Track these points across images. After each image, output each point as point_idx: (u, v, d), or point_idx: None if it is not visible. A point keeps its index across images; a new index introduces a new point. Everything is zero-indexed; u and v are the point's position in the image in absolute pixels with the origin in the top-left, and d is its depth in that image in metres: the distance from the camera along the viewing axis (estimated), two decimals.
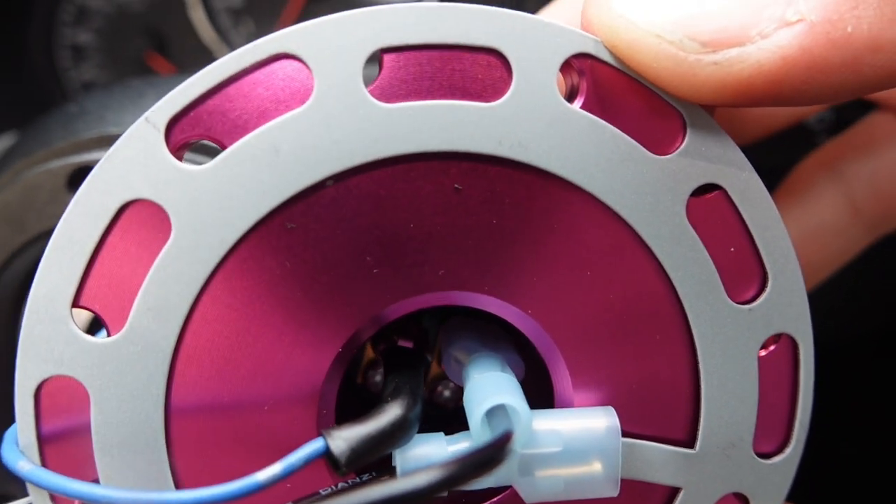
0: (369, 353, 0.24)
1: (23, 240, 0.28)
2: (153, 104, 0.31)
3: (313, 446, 0.17)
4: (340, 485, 0.19)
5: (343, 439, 0.17)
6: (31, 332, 0.18)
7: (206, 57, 0.52)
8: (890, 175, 0.28)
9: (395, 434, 0.18)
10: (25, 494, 0.21)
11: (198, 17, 0.52)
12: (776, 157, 0.26)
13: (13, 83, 0.53)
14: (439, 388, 0.25)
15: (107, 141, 0.28)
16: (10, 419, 0.30)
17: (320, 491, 0.18)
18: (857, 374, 0.40)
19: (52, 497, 0.19)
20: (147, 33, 0.53)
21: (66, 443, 0.19)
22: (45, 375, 0.19)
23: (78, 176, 0.27)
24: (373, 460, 0.18)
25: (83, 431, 0.19)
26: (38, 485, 0.18)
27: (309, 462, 0.17)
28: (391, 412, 0.19)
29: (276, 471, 0.17)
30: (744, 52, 0.18)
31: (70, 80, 0.54)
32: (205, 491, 0.16)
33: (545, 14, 0.26)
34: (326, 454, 0.17)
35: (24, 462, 0.18)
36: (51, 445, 0.19)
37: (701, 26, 0.18)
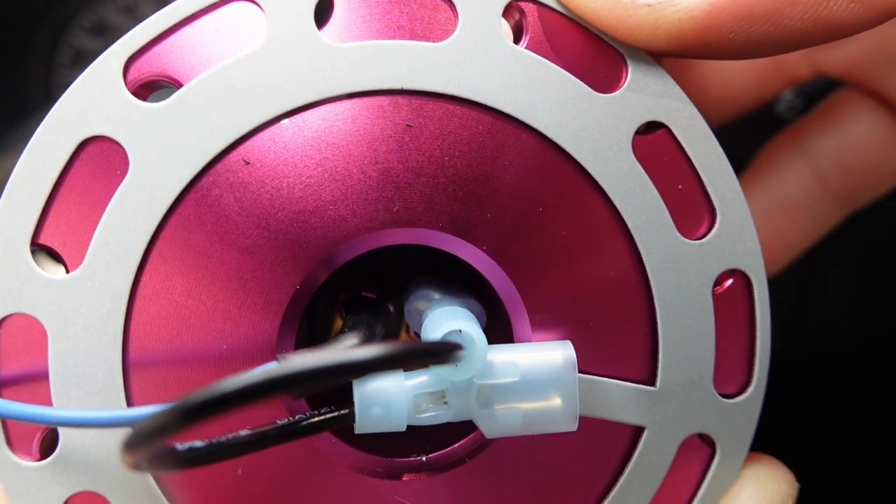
0: (338, 323, 0.25)
1: None
2: None
3: (266, 367, 0.18)
4: (298, 417, 0.19)
5: (297, 361, 0.18)
6: None
7: None
8: (855, 149, 0.29)
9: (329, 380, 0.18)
10: None
11: None
12: (747, 146, 0.26)
13: (11, 123, 0.55)
14: None
15: None
16: None
17: (277, 421, 0.18)
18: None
19: (9, 438, 0.19)
20: None
21: (22, 387, 0.19)
22: (4, 314, 0.19)
23: None
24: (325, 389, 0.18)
25: (39, 376, 0.19)
26: (3, 415, 0.18)
27: None
28: (346, 340, 0.19)
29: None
30: None
31: None
32: (140, 409, 0.17)
33: None
34: None
35: None
36: (8, 389, 0.19)
37: None
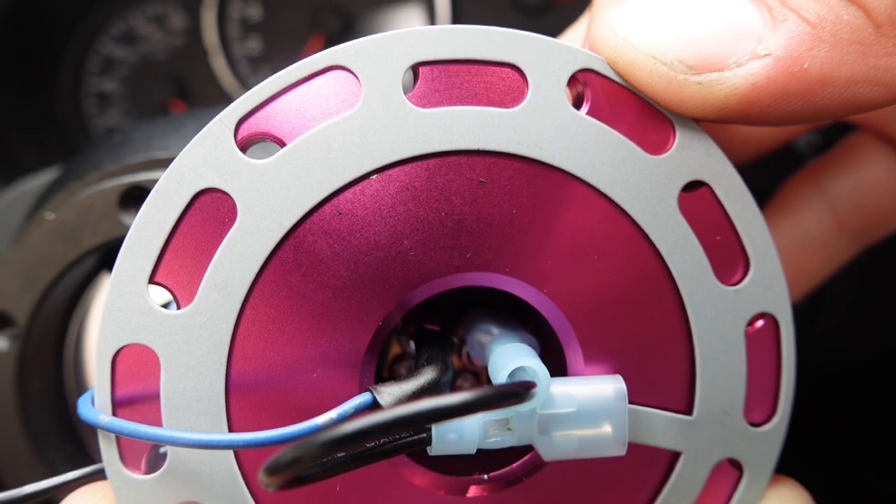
0: (395, 348, 0.27)
1: (77, 253, 0.30)
2: (193, 133, 0.34)
3: (362, 398, 0.20)
4: (384, 440, 0.21)
5: (388, 394, 0.20)
6: (112, 305, 0.21)
7: (228, 103, 0.55)
8: (869, 189, 0.31)
9: (431, 392, 0.21)
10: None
11: (218, 65, 0.56)
12: (768, 179, 0.28)
13: (42, 129, 0.57)
14: (458, 382, 0.28)
15: (155, 164, 0.30)
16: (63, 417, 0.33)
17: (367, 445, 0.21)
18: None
19: (122, 454, 0.22)
20: (170, 81, 0.56)
21: (134, 408, 0.22)
22: (123, 343, 0.21)
23: (129, 195, 0.30)
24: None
25: (150, 398, 0.22)
26: (119, 432, 0.20)
27: (358, 411, 0.20)
28: (428, 374, 0.21)
29: (331, 415, 0.19)
30: (722, 76, 0.21)
31: (95, 126, 0.58)
32: (272, 432, 0.19)
33: (565, 36, 0.30)
34: (373, 405, 0.20)
35: (104, 416, 0.21)
36: (122, 409, 0.22)
37: (689, 52, 0.21)
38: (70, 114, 0.58)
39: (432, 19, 0.53)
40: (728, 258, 0.23)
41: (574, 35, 0.30)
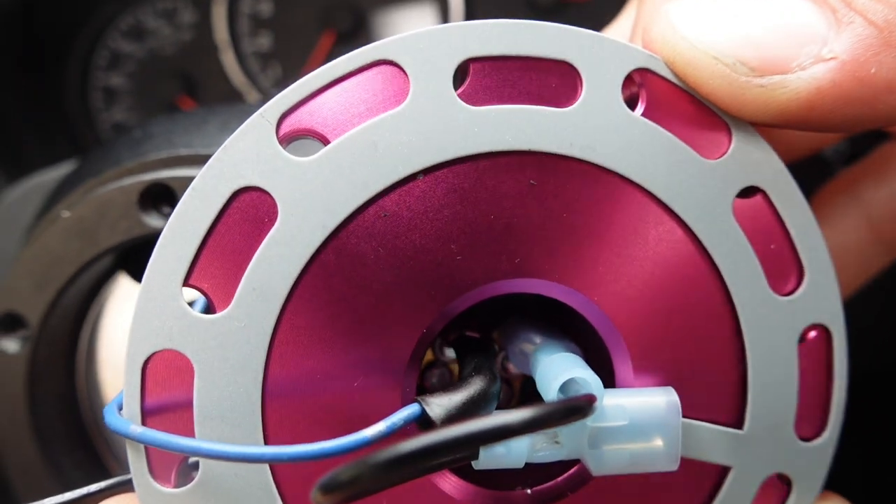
0: (428, 355, 0.26)
1: (93, 253, 0.29)
2: (215, 130, 0.33)
3: (410, 410, 0.19)
4: None
5: (438, 405, 0.19)
6: (143, 309, 0.20)
7: (237, 100, 0.54)
8: None
9: (480, 403, 0.20)
10: None
11: (228, 61, 0.54)
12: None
13: (48, 123, 0.55)
14: None
15: (177, 161, 0.29)
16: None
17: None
18: None
19: (151, 466, 0.21)
20: (178, 77, 0.55)
21: (164, 416, 0.21)
22: (155, 349, 0.20)
23: (149, 193, 0.29)
24: None
25: (181, 407, 0.21)
26: (152, 443, 0.19)
27: (407, 423, 0.19)
28: (476, 384, 0.20)
29: (380, 428, 0.18)
30: (785, 79, 0.20)
31: (102, 122, 0.56)
32: (317, 445, 0.18)
33: (610, 30, 0.29)
34: (422, 417, 0.19)
35: (135, 426, 0.19)
36: (151, 418, 0.21)
37: (751, 53, 0.20)
38: (77, 108, 0.56)
39: (445, 16, 0.52)
40: (782, 267, 0.23)
41: (615, 32, 0.29)
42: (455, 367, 0.25)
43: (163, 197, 0.29)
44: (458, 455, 0.19)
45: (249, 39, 0.55)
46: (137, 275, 0.32)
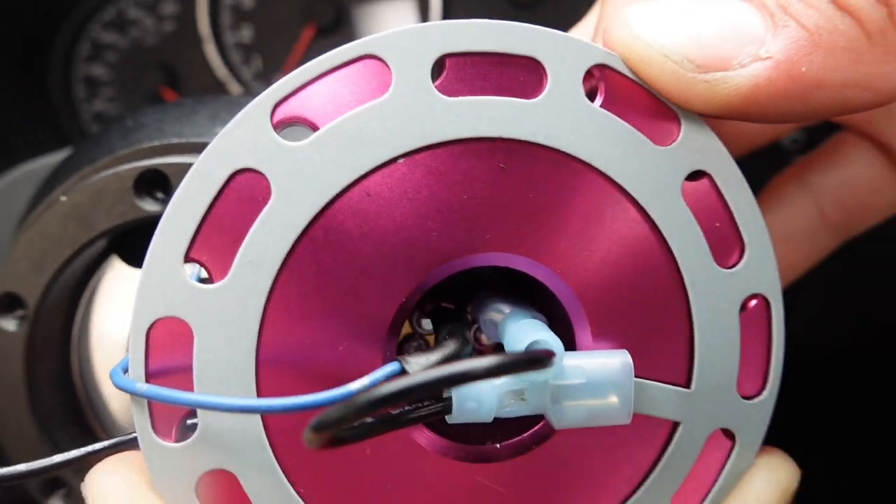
0: (406, 328, 0.28)
1: (89, 236, 0.31)
2: (205, 120, 0.35)
3: (391, 367, 0.21)
4: (408, 408, 0.22)
5: (415, 363, 0.21)
6: (148, 278, 0.22)
7: (219, 91, 0.56)
8: (852, 186, 0.33)
9: (453, 362, 0.22)
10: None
11: (210, 52, 0.56)
12: (756, 174, 0.29)
13: (31, 113, 0.56)
14: None
15: (170, 149, 0.31)
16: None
17: (393, 411, 0.22)
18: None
19: (154, 423, 0.23)
20: (160, 68, 0.57)
21: (165, 379, 0.23)
22: (158, 316, 0.22)
23: (144, 179, 0.30)
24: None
25: (182, 370, 0.23)
26: (157, 398, 0.21)
27: (388, 378, 0.21)
28: (450, 346, 0.23)
29: (364, 382, 0.20)
30: (727, 75, 0.23)
31: (84, 112, 0.58)
32: (308, 397, 0.20)
33: (575, 30, 0.31)
34: (401, 373, 0.21)
35: (140, 384, 0.21)
36: (154, 380, 0.23)
37: (697, 52, 0.23)
38: (60, 99, 0.58)
39: (425, 10, 0.54)
40: (725, 243, 0.25)
41: (582, 30, 0.32)
42: (431, 339, 0.28)
43: (156, 183, 0.31)
44: (423, 403, 0.21)
45: (231, 31, 0.57)
46: (129, 258, 0.34)
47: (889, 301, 0.44)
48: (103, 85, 0.58)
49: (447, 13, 0.54)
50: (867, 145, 0.33)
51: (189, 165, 0.30)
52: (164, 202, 0.30)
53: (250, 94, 0.56)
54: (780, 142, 0.39)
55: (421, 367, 0.21)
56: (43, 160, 0.39)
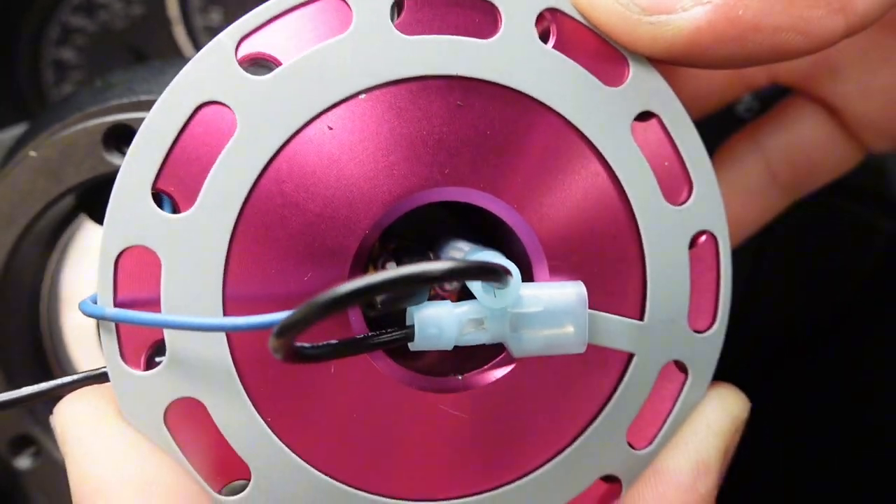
0: (371, 272, 0.29)
1: (59, 190, 0.31)
2: (172, 80, 0.36)
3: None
4: (372, 333, 0.23)
5: None
6: (116, 209, 0.23)
7: None
8: (801, 147, 0.34)
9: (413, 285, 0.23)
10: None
11: (179, 35, 0.57)
12: (709, 141, 0.31)
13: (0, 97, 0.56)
14: None
15: (138, 106, 0.31)
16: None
17: (358, 336, 0.23)
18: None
19: (122, 351, 0.23)
20: (129, 51, 0.57)
21: (134, 308, 0.23)
22: (126, 245, 0.23)
23: (113, 133, 0.31)
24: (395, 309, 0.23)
25: (150, 301, 0.23)
26: (124, 320, 0.22)
27: None
28: (410, 267, 0.23)
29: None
30: (670, 18, 0.24)
31: (53, 96, 0.58)
32: (272, 315, 0.21)
33: None
34: None
35: (109, 308, 0.22)
36: (123, 309, 0.23)
37: None
38: (29, 83, 0.58)
39: None
40: (674, 181, 0.26)
41: None
42: None
43: (126, 138, 0.31)
44: (396, 334, 0.22)
45: (201, 14, 0.57)
46: (98, 216, 0.35)
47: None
48: (72, 69, 0.58)
49: None
50: (816, 108, 0.34)
51: None
52: None
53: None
54: (733, 109, 0.41)
55: None
56: (10, 132, 0.40)
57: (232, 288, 0.23)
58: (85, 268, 0.35)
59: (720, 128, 0.37)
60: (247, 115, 0.23)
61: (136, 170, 0.23)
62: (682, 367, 0.27)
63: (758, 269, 0.45)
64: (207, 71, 0.23)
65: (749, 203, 0.35)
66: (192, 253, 0.23)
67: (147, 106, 0.31)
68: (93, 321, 0.36)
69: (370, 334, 0.23)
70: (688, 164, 0.26)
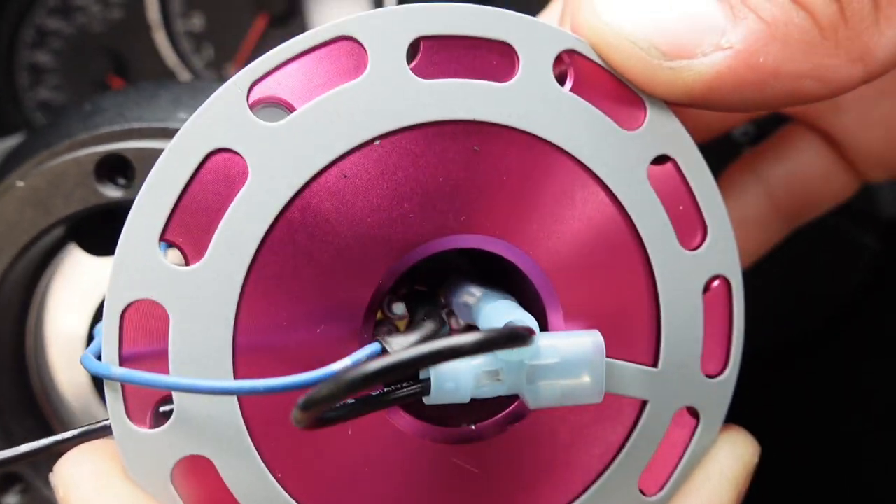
0: (378, 314, 0.28)
1: (48, 222, 0.30)
2: (167, 104, 0.34)
3: (372, 348, 0.21)
4: (388, 389, 0.22)
5: (396, 343, 0.22)
6: (122, 260, 0.22)
7: (173, 78, 0.55)
8: (801, 176, 0.35)
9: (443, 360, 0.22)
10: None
11: (160, 40, 0.55)
12: (708, 164, 0.31)
13: None
14: None
15: (130, 134, 0.30)
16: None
17: (373, 393, 0.22)
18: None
19: (127, 408, 0.22)
20: (108, 56, 0.55)
21: (140, 363, 0.22)
22: (133, 298, 0.22)
23: (105, 163, 0.30)
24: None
25: (157, 355, 0.22)
26: (131, 381, 0.21)
27: (370, 359, 0.21)
28: (428, 326, 0.23)
29: (346, 362, 0.21)
30: (691, 63, 0.24)
31: (28, 100, 0.56)
32: (289, 378, 0.20)
33: (543, 15, 0.32)
34: (382, 353, 0.21)
35: (115, 367, 0.21)
36: (128, 364, 0.22)
37: (663, 39, 0.24)
38: (2, 86, 0.56)
39: (380, 2, 0.54)
40: (689, 225, 0.26)
41: (550, 15, 0.32)
42: (402, 324, 0.28)
43: (118, 168, 0.30)
44: (401, 385, 0.22)
45: (182, 19, 0.55)
46: (88, 245, 0.33)
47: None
48: (48, 72, 0.56)
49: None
50: (815, 137, 0.34)
51: (152, 150, 0.29)
52: (126, 188, 0.30)
53: (209, 81, 0.55)
54: (730, 133, 0.41)
55: (402, 347, 0.22)
56: None
57: (242, 341, 0.22)
58: (72, 299, 0.34)
59: (716, 151, 0.37)
60: (259, 162, 0.22)
61: (143, 220, 0.22)
62: (693, 412, 0.27)
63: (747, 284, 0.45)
64: (218, 117, 0.22)
65: (750, 234, 0.35)
66: (202, 306, 0.22)
67: (139, 134, 0.30)
68: (78, 345, 0.35)
69: (387, 390, 0.22)
70: (702, 208, 0.26)
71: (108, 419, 0.23)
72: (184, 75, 0.55)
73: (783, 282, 0.46)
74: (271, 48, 0.22)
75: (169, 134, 0.30)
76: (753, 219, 0.34)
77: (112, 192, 0.30)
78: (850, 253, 0.49)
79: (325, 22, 0.23)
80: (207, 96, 0.33)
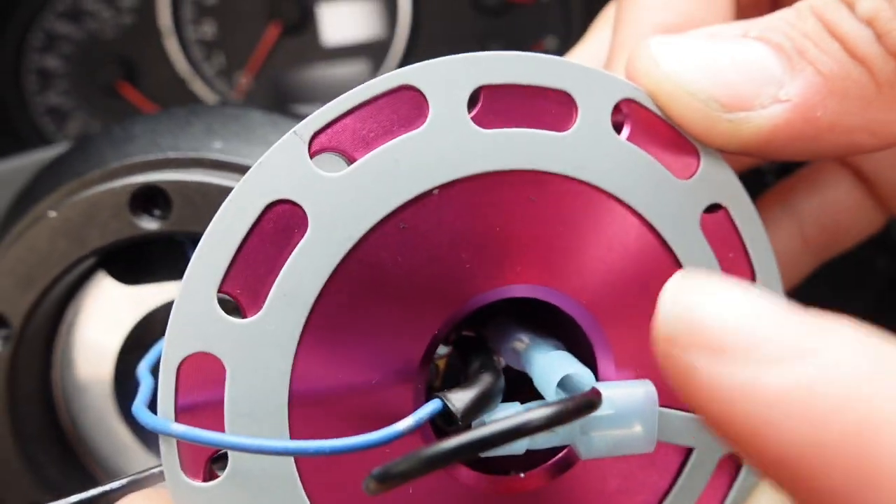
0: None
1: (81, 253, 0.29)
2: (200, 133, 0.34)
3: (434, 405, 0.21)
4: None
5: (458, 399, 0.21)
6: (180, 313, 0.21)
7: (179, 87, 0.54)
8: (832, 210, 0.35)
9: (491, 396, 0.22)
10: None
11: (171, 47, 0.54)
12: None
13: None
14: None
15: (166, 164, 0.29)
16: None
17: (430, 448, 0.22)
18: None
19: (182, 462, 0.22)
20: (118, 62, 0.54)
21: (195, 415, 0.22)
22: (190, 352, 0.21)
23: (140, 195, 0.29)
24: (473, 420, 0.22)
25: (212, 406, 0.22)
26: (189, 439, 0.20)
27: (432, 417, 0.21)
28: (486, 380, 0.23)
29: (409, 423, 0.20)
30: (749, 115, 0.24)
31: (36, 105, 0.55)
32: (353, 439, 0.20)
33: (576, 52, 0.31)
34: (444, 411, 0.21)
35: (174, 424, 0.21)
36: (183, 416, 0.22)
37: (722, 92, 0.24)
38: (9, 91, 0.54)
39: (394, 12, 0.53)
40: (738, 273, 0.26)
41: (581, 52, 0.32)
42: (441, 364, 0.28)
43: (153, 199, 0.29)
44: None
45: (193, 26, 0.55)
46: (119, 274, 0.33)
47: None
48: (57, 77, 0.55)
49: (416, 16, 0.53)
50: (847, 173, 0.34)
51: (187, 183, 0.29)
52: (162, 219, 0.29)
53: (218, 94, 0.54)
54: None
55: (462, 402, 0.21)
56: (15, 161, 0.37)
57: (297, 394, 0.22)
58: (100, 327, 0.33)
59: (742, 179, 0.37)
60: (318, 214, 0.22)
61: (202, 272, 0.21)
62: (736, 458, 0.27)
63: None
64: (280, 168, 0.21)
65: (783, 269, 0.35)
66: (259, 360, 0.22)
67: (175, 164, 0.30)
68: (105, 374, 0.34)
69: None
70: (752, 257, 0.26)
71: (155, 467, 0.23)
72: (195, 83, 0.54)
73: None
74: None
75: (205, 164, 0.30)
76: (785, 252, 0.34)
77: (147, 224, 0.29)
78: (863, 274, 0.49)
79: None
80: (239, 123, 0.32)
